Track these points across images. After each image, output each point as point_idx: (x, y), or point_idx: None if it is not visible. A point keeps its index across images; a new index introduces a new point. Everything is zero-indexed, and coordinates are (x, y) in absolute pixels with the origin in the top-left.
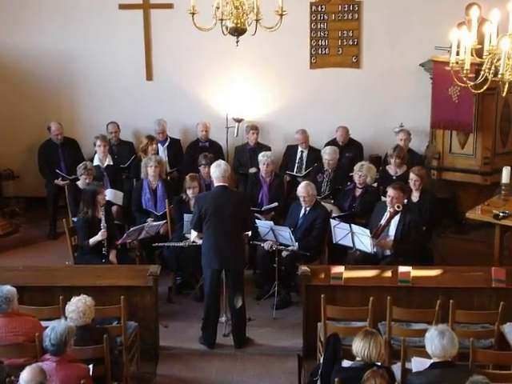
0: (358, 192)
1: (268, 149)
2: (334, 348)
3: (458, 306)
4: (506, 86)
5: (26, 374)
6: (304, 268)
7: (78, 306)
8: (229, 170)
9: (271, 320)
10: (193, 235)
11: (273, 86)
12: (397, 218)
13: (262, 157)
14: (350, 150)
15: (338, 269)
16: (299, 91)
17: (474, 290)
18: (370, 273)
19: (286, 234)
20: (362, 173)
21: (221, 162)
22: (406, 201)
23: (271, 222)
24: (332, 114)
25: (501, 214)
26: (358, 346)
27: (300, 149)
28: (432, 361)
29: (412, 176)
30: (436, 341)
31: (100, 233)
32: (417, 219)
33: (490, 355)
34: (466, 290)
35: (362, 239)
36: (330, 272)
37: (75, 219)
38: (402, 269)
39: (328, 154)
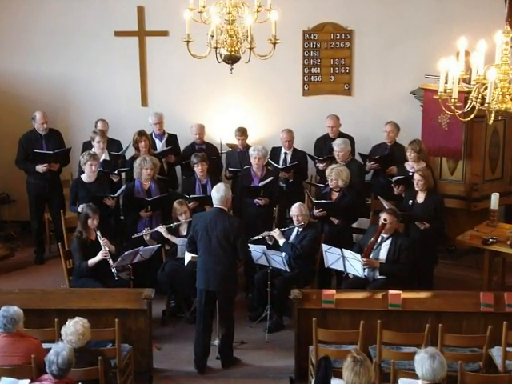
0: (335, 195)
1: None
2: (325, 370)
3: (446, 330)
4: (493, 114)
5: None
6: (296, 292)
7: (77, 329)
8: (228, 194)
9: (263, 343)
10: (187, 257)
11: (266, 113)
12: (388, 241)
13: (253, 151)
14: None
15: (330, 292)
16: (292, 118)
17: (462, 314)
18: (360, 296)
19: (278, 258)
20: (332, 177)
21: (221, 186)
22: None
23: (264, 247)
24: None
25: (490, 240)
26: (349, 377)
27: (283, 150)
28: (421, 383)
29: (416, 176)
30: (427, 364)
31: (100, 253)
32: (408, 244)
33: (478, 378)
34: (455, 315)
35: (353, 263)
36: (321, 296)
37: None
38: (392, 293)
39: (337, 146)
